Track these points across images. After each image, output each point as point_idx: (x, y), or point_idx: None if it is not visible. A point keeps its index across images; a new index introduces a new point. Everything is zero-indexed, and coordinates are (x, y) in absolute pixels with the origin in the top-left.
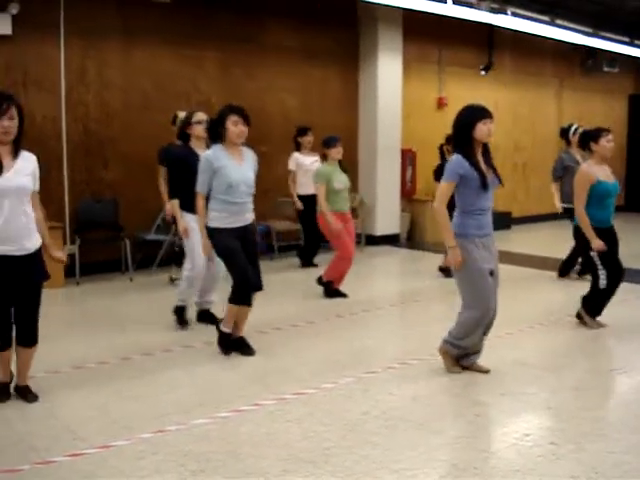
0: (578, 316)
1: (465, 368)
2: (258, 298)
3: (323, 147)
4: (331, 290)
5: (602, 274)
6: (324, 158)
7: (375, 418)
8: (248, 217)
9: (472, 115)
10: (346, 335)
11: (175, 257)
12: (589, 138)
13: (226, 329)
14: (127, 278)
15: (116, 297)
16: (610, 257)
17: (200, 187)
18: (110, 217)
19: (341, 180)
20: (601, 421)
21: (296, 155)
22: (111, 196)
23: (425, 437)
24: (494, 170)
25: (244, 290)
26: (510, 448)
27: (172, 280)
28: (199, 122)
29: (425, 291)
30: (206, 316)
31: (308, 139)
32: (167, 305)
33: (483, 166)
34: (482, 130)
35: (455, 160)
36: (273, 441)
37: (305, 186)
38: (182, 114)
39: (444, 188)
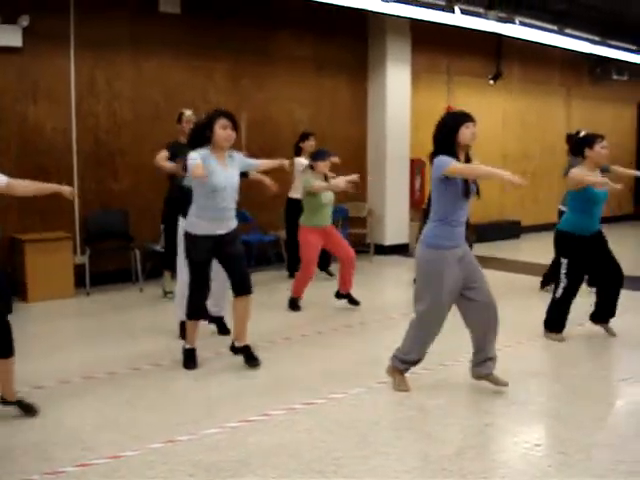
0: (593, 318)
1: (481, 378)
2: (266, 308)
3: (312, 159)
4: (295, 305)
5: (563, 284)
6: (311, 169)
7: (385, 428)
8: (230, 225)
9: (455, 120)
10: (356, 345)
11: (164, 262)
12: (584, 144)
13: (187, 345)
14: (137, 288)
15: (126, 307)
16: (593, 265)
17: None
18: (120, 227)
19: (327, 195)
20: (610, 430)
21: (299, 160)
22: (121, 206)
23: (435, 447)
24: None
25: (196, 306)
26: (520, 458)
27: (165, 294)
28: (189, 121)
29: None
30: (219, 324)
31: (310, 143)
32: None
33: None
34: (465, 134)
35: (442, 157)
36: (283, 451)
37: (294, 189)
38: (188, 112)
39: (454, 165)
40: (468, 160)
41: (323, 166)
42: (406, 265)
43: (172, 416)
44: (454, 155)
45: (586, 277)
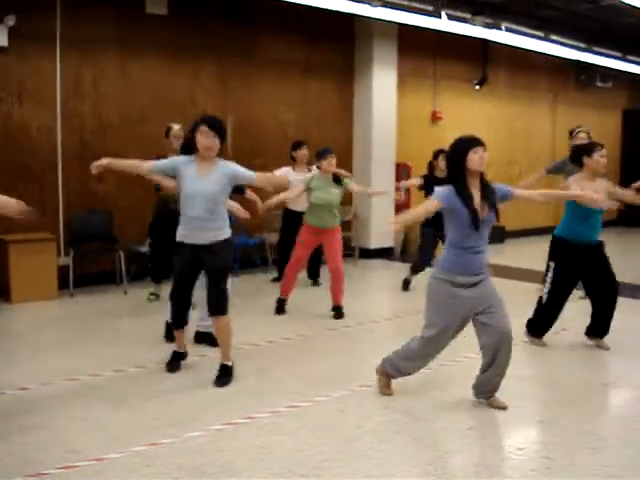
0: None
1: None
2: (251, 311)
3: (315, 158)
4: (281, 307)
5: (546, 289)
6: (318, 169)
7: (369, 432)
8: (209, 236)
9: (463, 145)
10: (340, 349)
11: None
12: (582, 152)
13: (176, 348)
14: (121, 290)
15: (110, 309)
16: (588, 277)
17: (157, 163)
18: (105, 229)
19: (320, 196)
20: (594, 435)
21: (286, 169)
22: (106, 208)
23: (419, 451)
24: (492, 205)
25: (177, 314)
26: (503, 462)
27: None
28: (176, 137)
29: (419, 305)
30: (209, 340)
31: (303, 152)
32: (161, 318)
33: (477, 202)
34: (474, 159)
35: (444, 189)
36: (266, 454)
37: (294, 202)
38: (176, 127)
39: (428, 204)
40: (485, 186)
41: (326, 165)
42: (391, 269)
43: (156, 419)
44: (462, 182)
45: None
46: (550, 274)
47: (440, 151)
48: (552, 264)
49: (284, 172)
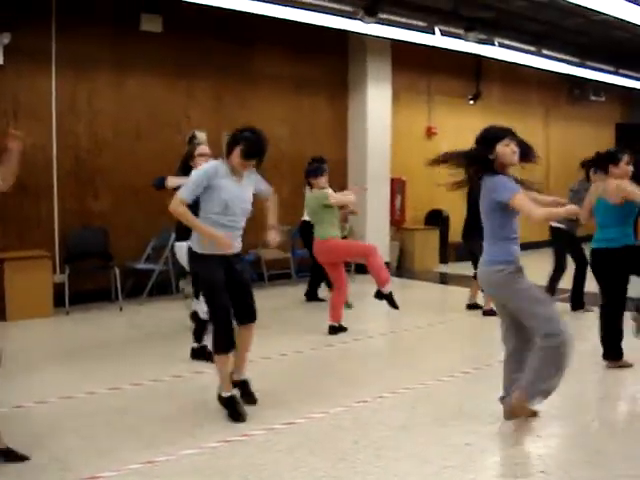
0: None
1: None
2: None
3: (307, 176)
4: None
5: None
6: (310, 186)
7: (365, 447)
8: (237, 245)
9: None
10: (336, 364)
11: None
12: (607, 160)
13: (226, 393)
14: (117, 307)
15: (106, 327)
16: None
17: (186, 194)
18: (100, 246)
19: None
20: (590, 449)
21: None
22: (101, 225)
23: (415, 466)
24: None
25: (227, 335)
26: (500, 477)
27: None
28: (202, 155)
29: (415, 320)
30: (200, 353)
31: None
32: (157, 335)
33: None
34: (505, 152)
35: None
36: (263, 472)
37: None
38: (201, 134)
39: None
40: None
41: (323, 182)
42: None
43: (152, 437)
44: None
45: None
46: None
47: None
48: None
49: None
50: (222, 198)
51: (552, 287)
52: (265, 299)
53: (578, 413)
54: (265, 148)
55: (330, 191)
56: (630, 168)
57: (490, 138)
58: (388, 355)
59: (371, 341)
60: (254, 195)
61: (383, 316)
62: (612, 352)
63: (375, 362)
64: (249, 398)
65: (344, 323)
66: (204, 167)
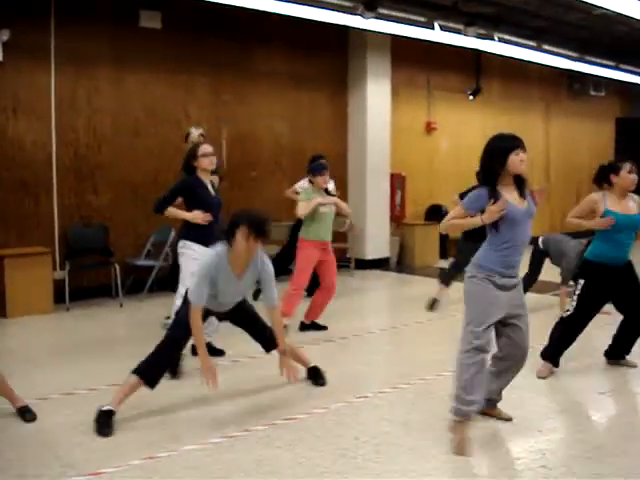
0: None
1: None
2: None
3: (308, 173)
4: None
5: (571, 306)
6: (311, 183)
7: (366, 443)
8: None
9: (503, 145)
10: (336, 360)
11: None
12: (609, 170)
13: (109, 407)
14: (117, 303)
15: (106, 323)
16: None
17: (197, 299)
18: (100, 242)
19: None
20: (591, 444)
21: (302, 183)
22: (101, 221)
23: (416, 462)
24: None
25: (161, 370)
26: (501, 472)
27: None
28: (205, 155)
29: (416, 315)
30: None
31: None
32: (157, 331)
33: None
34: (514, 161)
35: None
36: (264, 467)
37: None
38: (195, 132)
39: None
40: (521, 187)
41: (321, 181)
42: (387, 279)
43: (153, 433)
44: (494, 184)
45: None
46: (578, 292)
47: None
48: (581, 281)
49: (302, 183)
50: (215, 288)
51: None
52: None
53: (579, 408)
54: (270, 223)
55: (300, 204)
56: (633, 177)
57: (506, 148)
58: (388, 350)
59: (371, 336)
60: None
61: (383, 312)
62: (618, 351)
63: (375, 357)
64: (321, 380)
65: (347, 318)
66: (207, 261)
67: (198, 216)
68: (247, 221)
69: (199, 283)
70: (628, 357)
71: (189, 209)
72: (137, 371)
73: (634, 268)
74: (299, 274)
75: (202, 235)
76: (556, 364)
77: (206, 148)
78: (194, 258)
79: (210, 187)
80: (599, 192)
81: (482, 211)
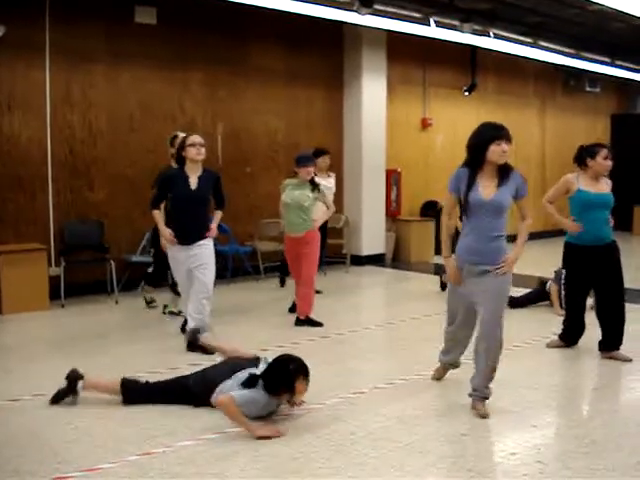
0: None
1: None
2: (243, 318)
3: (295, 164)
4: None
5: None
6: (295, 175)
7: (362, 438)
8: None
9: (485, 134)
10: (333, 355)
11: (148, 277)
12: (586, 154)
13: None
14: (112, 300)
15: (101, 319)
16: (591, 279)
17: (241, 405)
18: (96, 238)
19: (290, 195)
20: (586, 439)
21: None
22: (96, 217)
23: (412, 457)
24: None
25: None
26: (496, 467)
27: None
28: (193, 144)
29: (412, 311)
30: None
31: (325, 161)
32: (152, 327)
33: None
34: (495, 151)
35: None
36: (260, 463)
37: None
38: (182, 136)
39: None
40: (503, 175)
41: (305, 173)
42: (383, 275)
43: (148, 429)
44: (477, 169)
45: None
46: (563, 280)
47: None
48: (564, 270)
49: None
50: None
51: None
52: (261, 291)
53: (573, 403)
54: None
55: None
56: (608, 163)
57: (487, 137)
58: (384, 346)
59: (367, 332)
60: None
61: (379, 307)
62: (609, 343)
63: (371, 353)
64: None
65: (343, 314)
66: (257, 399)
67: (166, 238)
68: (299, 370)
69: (247, 403)
70: (624, 352)
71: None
72: (124, 386)
73: (616, 252)
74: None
75: (178, 236)
76: (569, 343)
77: (194, 138)
78: (171, 256)
79: (194, 180)
80: (574, 173)
81: (458, 191)
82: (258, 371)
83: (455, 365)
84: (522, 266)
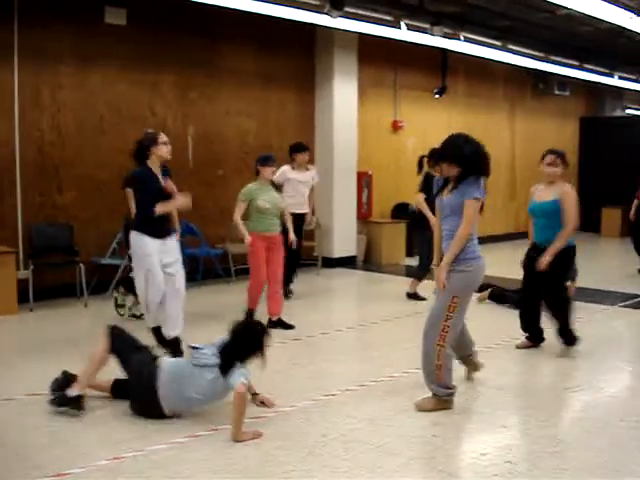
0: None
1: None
2: (214, 322)
3: (257, 164)
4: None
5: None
6: (257, 175)
7: (333, 440)
8: None
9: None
10: (304, 358)
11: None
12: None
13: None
14: (82, 303)
15: (71, 323)
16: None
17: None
18: (65, 241)
19: (267, 199)
20: (555, 439)
21: (285, 168)
22: (65, 220)
23: (383, 459)
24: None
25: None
26: (467, 467)
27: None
28: (165, 143)
29: (383, 313)
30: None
31: (304, 157)
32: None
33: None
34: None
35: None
36: (231, 466)
37: (299, 204)
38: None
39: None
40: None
41: (269, 172)
42: (354, 277)
43: (119, 433)
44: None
45: None
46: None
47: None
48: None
49: (282, 171)
50: None
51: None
52: (232, 294)
53: (544, 404)
54: None
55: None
56: (549, 170)
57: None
58: (356, 348)
59: (339, 334)
60: None
61: (350, 309)
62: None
63: (343, 355)
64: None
65: (314, 316)
66: None
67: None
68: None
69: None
70: (596, 353)
71: (141, 199)
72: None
73: (567, 254)
74: (252, 266)
75: (157, 230)
76: (531, 339)
77: (165, 136)
78: (147, 254)
79: (160, 177)
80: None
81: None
82: (210, 352)
83: (469, 355)
84: (489, 268)
